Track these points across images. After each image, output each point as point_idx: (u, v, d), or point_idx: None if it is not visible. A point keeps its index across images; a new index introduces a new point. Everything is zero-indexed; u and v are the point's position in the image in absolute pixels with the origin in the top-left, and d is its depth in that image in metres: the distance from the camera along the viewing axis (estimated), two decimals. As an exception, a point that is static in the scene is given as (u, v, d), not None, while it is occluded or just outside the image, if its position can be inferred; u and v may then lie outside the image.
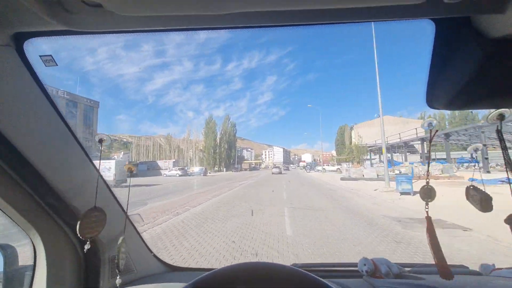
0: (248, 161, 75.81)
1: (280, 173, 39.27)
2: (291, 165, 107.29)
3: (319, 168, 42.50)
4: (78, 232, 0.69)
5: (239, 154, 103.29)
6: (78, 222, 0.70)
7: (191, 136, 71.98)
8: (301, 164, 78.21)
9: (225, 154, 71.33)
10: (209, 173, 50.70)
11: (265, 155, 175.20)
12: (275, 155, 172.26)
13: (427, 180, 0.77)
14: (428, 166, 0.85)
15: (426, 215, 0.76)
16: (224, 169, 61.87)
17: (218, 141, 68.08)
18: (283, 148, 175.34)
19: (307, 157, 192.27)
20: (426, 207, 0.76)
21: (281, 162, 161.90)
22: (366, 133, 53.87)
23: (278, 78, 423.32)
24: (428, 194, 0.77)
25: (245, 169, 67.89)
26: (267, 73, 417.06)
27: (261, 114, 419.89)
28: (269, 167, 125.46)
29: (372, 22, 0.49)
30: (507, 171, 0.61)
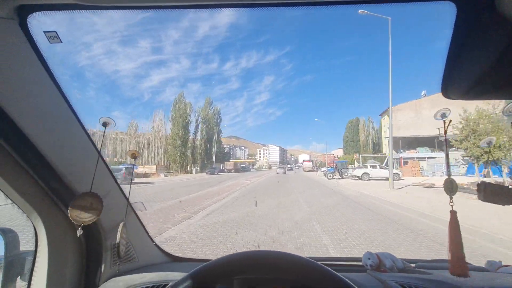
0: (234, 160, 55.53)
1: (284, 173, 38.12)
2: (289, 166, 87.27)
3: (358, 172, 22.15)
4: (69, 216, 0.68)
5: (226, 151, 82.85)
6: (70, 205, 0.68)
7: (161, 125, 51.02)
8: (305, 164, 56.04)
9: (203, 148, 51.17)
10: (165, 175, 30.42)
11: (260, 154, 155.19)
12: (271, 154, 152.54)
13: (448, 173, 0.80)
14: (447, 159, 0.93)
15: (451, 209, 0.76)
16: (195, 170, 41.46)
17: (192, 130, 47.82)
18: (280, 147, 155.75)
19: (304, 157, 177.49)
20: (451, 201, 0.76)
21: (277, 162, 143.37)
22: (407, 119, 34.82)
23: (275, 78, 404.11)
24: (450, 187, 0.77)
25: (230, 170, 47.72)
26: (264, 73, 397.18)
27: (257, 114, 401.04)
28: (264, 167, 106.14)
29: (387, 4, 0.45)
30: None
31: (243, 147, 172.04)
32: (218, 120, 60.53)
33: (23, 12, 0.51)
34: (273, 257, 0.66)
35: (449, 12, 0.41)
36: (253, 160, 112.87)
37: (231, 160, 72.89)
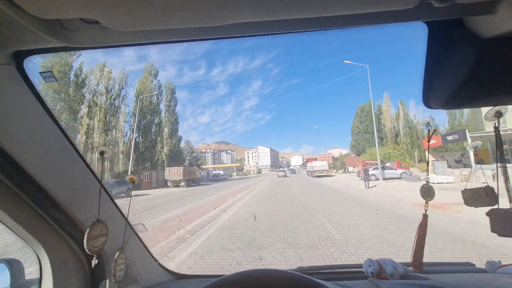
0: (183, 167, 28.30)
1: (285, 175, 34.79)
2: (291, 168, 65.59)
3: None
4: (86, 249, 0.70)
5: (195, 154, 60.06)
6: (85, 239, 0.70)
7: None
8: (316, 165, 33.45)
9: (132, 146, 28.16)
10: None
11: (248, 157, 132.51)
12: (260, 156, 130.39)
13: (427, 179, 0.84)
14: (428, 165, 1.00)
15: (424, 212, 0.81)
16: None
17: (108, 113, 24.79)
18: (270, 148, 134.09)
19: (296, 160, 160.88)
20: (426, 205, 0.81)
21: (268, 166, 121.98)
22: None
23: (263, 83, 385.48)
24: (427, 193, 0.81)
25: (177, 184, 24.63)
26: (252, 78, 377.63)
27: (247, 119, 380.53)
28: (251, 173, 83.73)
29: (365, 27, 0.47)
30: (497, 168, 0.65)
31: (229, 151, 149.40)
32: (172, 104, 37.88)
33: (19, 57, 0.53)
34: (276, 276, 0.68)
35: (422, 32, 0.44)
36: (238, 165, 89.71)
37: (197, 165, 50.00)
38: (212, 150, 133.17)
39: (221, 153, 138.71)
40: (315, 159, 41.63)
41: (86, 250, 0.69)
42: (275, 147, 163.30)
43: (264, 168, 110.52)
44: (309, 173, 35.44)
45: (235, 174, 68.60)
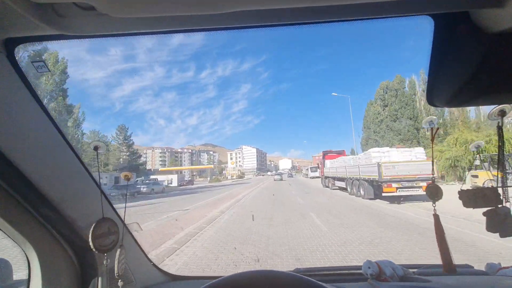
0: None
1: (281, 179, 31.03)
2: (289, 173, 53.73)
3: None
4: (93, 248, 0.66)
5: (136, 151, 39.70)
6: (90, 237, 0.66)
7: None
8: (393, 157, 10.18)
9: None
10: None
11: (231, 158, 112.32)
12: (245, 158, 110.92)
13: (433, 178, 0.80)
14: (433, 165, 0.97)
15: (433, 213, 0.78)
16: None
17: None
18: (257, 149, 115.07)
19: (285, 163, 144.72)
20: (434, 205, 0.78)
21: (254, 168, 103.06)
22: None
23: (252, 86, 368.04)
24: (434, 193, 0.77)
25: None
26: (241, 81, 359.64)
27: (235, 122, 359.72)
28: (229, 177, 64.18)
29: (369, 20, 0.46)
30: (498, 168, 0.63)
31: (211, 152, 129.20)
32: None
33: (10, 45, 0.50)
34: (274, 277, 0.66)
35: (428, 26, 0.42)
36: (211, 166, 69.49)
37: (137, 165, 30.17)
38: (190, 151, 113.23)
39: (201, 154, 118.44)
40: (340, 153, 20.47)
41: (93, 249, 0.65)
42: (264, 150, 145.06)
43: (249, 171, 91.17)
44: (329, 182, 16.10)
45: (209, 179, 48.80)
